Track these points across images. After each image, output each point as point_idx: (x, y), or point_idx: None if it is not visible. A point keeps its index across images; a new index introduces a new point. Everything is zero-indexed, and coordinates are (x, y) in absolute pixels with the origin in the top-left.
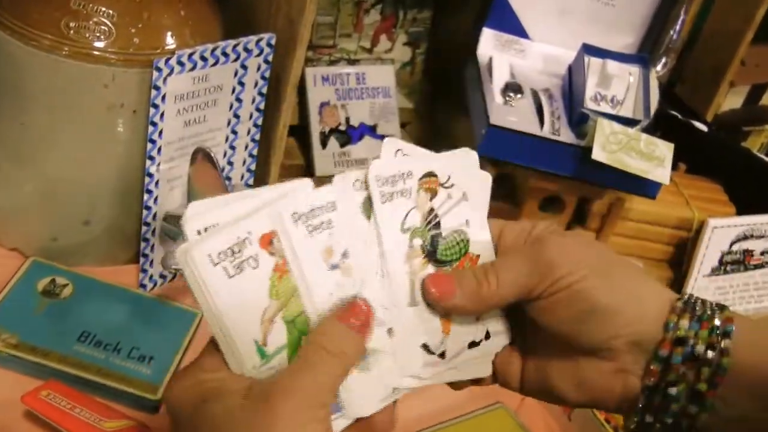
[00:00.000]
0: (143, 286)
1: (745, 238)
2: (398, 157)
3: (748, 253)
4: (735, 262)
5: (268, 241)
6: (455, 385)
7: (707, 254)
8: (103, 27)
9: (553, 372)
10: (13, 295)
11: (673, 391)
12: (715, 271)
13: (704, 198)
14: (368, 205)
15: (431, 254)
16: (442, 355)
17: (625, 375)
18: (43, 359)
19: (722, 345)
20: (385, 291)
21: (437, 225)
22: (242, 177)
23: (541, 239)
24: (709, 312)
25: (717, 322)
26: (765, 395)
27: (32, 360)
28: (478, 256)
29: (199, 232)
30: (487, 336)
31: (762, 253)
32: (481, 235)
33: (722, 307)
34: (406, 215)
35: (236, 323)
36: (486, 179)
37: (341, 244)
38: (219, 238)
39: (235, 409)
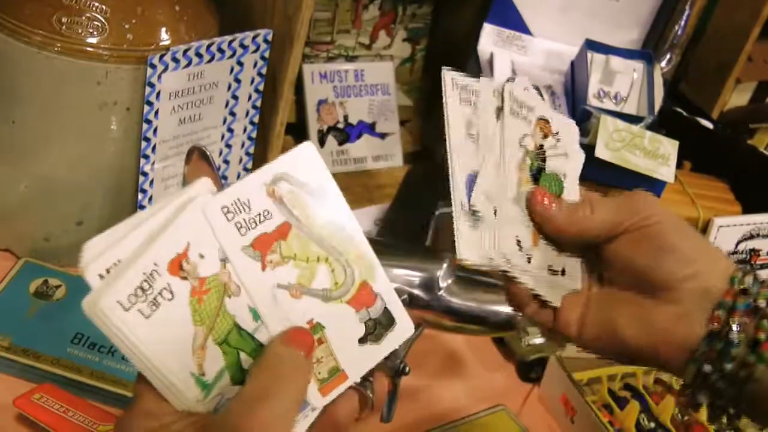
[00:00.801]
0: None
1: (752, 237)
2: (524, 90)
3: (754, 252)
4: (741, 262)
5: (177, 265)
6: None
7: None
8: (95, 22)
9: (619, 312)
10: (5, 296)
11: (734, 337)
12: None
13: (710, 197)
14: (499, 112)
15: (534, 179)
16: (528, 260)
17: (689, 321)
18: (35, 362)
19: None
20: (497, 177)
21: (543, 160)
22: (239, 176)
23: (630, 192)
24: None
25: None
26: None
27: (24, 362)
28: None
29: (101, 276)
30: (563, 273)
31: None
32: (572, 193)
33: None
34: (524, 136)
35: (167, 362)
36: (581, 156)
37: (477, 117)
38: (125, 279)
39: None
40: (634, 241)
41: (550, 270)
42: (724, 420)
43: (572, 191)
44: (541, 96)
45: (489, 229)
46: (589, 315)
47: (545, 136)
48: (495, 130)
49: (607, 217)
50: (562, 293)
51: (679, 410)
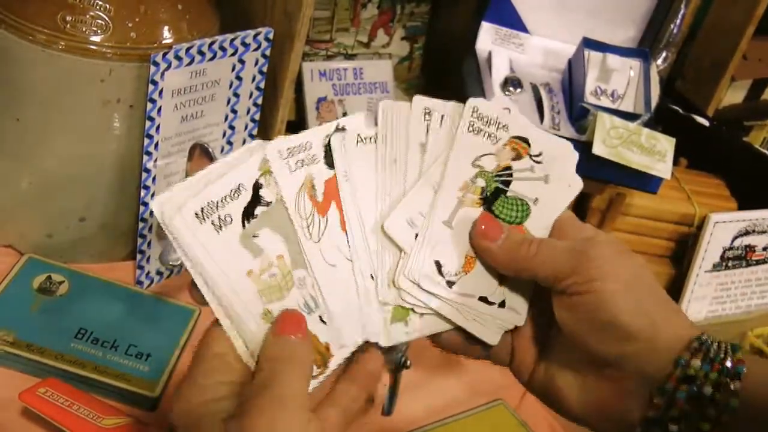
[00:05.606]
0: (140, 283)
1: (747, 233)
2: (502, 110)
3: (749, 248)
4: (737, 258)
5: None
6: (442, 342)
7: (709, 250)
8: (99, 21)
9: (563, 376)
10: (9, 292)
11: (674, 428)
12: (716, 267)
13: (706, 193)
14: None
15: (488, 201)
16: (449, 284)
17: (628, 401)
18: (39, 357)
19: (732, 387)
20: (430, 199)
21: (506, 183)
22: None
23: (591, 239)
24: (722, 354)
25: (729, 363)
26: None
27: (29, 357)
28: (528, 232)
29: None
30: (502, 305)
31: (764, 249)
32: (541, 220)
33: (735, 348)
34: (483, 155)
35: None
36: (573, 186)
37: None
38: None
39: None
40: (573, 306)
41: (484, 300)
42: None
43: (543, 220)
44: (541, 109)
45: (404, 256)
46: (539, 369)
47: (517, 158)
48: (442, 149)
49: (549, 264)
50: (500, 329)
51: None
